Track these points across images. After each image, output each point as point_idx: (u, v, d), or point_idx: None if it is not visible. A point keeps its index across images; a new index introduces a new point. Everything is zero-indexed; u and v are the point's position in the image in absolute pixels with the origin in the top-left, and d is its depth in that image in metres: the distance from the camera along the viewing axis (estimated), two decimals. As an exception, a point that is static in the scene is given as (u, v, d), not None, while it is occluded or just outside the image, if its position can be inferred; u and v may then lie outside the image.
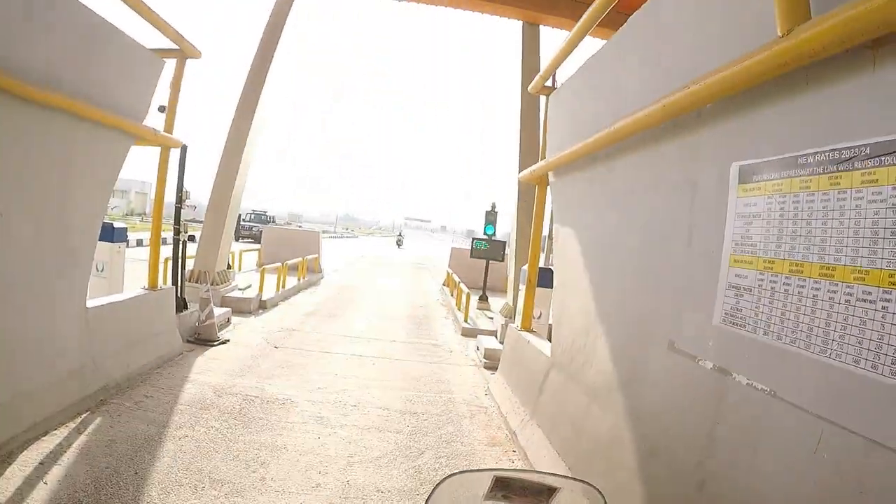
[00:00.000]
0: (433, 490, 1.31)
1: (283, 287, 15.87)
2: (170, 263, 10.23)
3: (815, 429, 2.61)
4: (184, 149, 9.58)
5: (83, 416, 5.89)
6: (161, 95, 8.16)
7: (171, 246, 10.07)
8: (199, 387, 7.43)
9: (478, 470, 1.39)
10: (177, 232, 9.98)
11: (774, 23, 2.80)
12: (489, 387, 8.91)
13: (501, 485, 1.38)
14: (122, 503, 4.42)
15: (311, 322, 12.99)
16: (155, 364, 7.98)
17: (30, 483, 4.48)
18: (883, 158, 2.36)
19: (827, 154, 2.66)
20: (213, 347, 9.54)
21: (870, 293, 2.39)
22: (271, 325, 12.10)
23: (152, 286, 8.62)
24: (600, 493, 1.35)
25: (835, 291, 2.57)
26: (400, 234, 69.35)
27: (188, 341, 9.49)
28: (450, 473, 1.34)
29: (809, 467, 2.63)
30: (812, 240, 2.74)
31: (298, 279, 18.30)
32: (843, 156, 2.57)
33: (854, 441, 2.40)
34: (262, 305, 13.72)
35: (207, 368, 8.33)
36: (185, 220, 10.08)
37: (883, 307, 2.32)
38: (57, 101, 5.36)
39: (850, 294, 2.49)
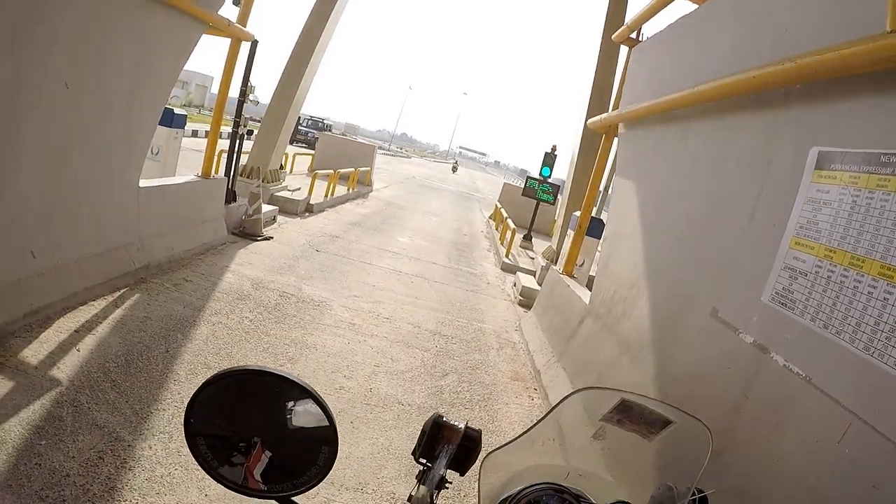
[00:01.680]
0: (564, 398, 1.33)
1: (332, 195, 15.96)
2: (224, 156, 10.24)
3: (842, 421, 2.59)
4: (254, 43, 9.46)
5: (122, 291, 6.02)
6: None
7: (229, 139, 10.11)
8: (238, 277, 7.57)
9: (609, 389, 1.40)
10: (236, 125, 9.96)
11: (884, 17, 2.64)
12: (520, 323, 8.90)
13: (623, 407, 1.37)
14: (149, 378, 4.55)
15: (355, 232, 13.10)
16: (199, 250, 8.12)
17: (63, 349, 4.61)
18: None
19: None
20: (257, 242, 9.67)
21: None
22: (315, 228, 12.23)
23: (205, 174, 8.70)
24: (710, 432, 1.37)
25: (891, 293, 2.50)
26: (455, 162, 70.79)
27: (233, 233, 9.62)
28: (582, 388, 1.36)
29: (830, 456, 2.62)
30: (878, 238, 2.66)
31: (348, 189, 18.38)
32: None
33: (879, 442, 2.38)
34: (309, 209, 13.83)
35: (248, 261, 8.47)
36: (246, 116, 10.06)
37: None
38: None
39: None
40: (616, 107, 8.05)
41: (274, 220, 11.50)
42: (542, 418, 1.29)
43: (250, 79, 9.87)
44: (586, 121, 10.37)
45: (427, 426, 1.31)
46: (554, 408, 1.29)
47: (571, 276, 8.71)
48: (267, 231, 10.46)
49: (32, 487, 3.10)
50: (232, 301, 6.65)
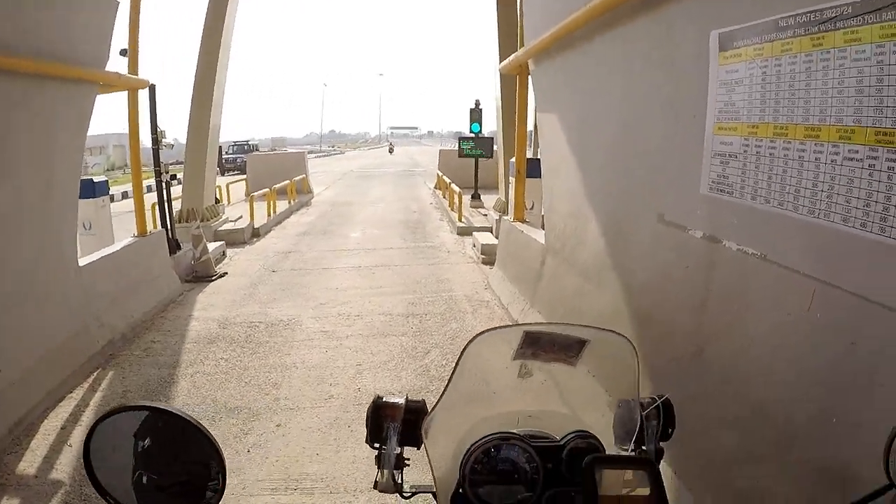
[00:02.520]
0: (464, 349, 1.29)
1: (275, 212, 15.78)
2: (157, 208, 10.04)
3: (806, 289, 2.63)
4: (152, 88, 9.23)
5: (95, 373, 5.91)
6: (121, 40, 7.90)
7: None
8: (204, 322, 7.49)
9: (507, 326, 1.40)
10: (157, 174, 9.77)
11: None
12: (488, 281, 8.98)
13: (531, 340, 1.35)
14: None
15: (307, 241, 13.01)
16: (157, 308, 7.97)
17: (55, 449, 4.53)
18: (866, 17, 2.27)
19: (807, 15, 2.57)
20: (212, 282, 9.55)
21: (856, 151, 2.35)
22: (266, 250, 12.11)
23: (141, 233, 8.53)
24: (629, 341, 1.36)
25: (821, 152, 2.54)
26: (390, 143, 71.51)
27: (187, 281, 9.46)
28: (479, 332, 1.32)
29: (802, 326, 2.67)
30: (796, 102, 2.68)
31: (289, 202, 18.17)
32: (824, 16, 2.47)
33: (847, 299, 2.41)
34: (256, 233, 13.67)
35: (209, 303, 8.37)
36: (164, 162, 9.87)
37: (870, 165, 2.29)
38: (15, 65, 5.10)
39: (836, 153, 2.45)
40: (521, 44, 8.04)
41: (224, 255, 11.36)
42: (453, 373, 1.29)
43: (158, 124, 9.65)
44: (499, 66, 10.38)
45: (369, 411, 1.32)
46: (459, 360, 1.29)
47: (524, 222, 8.78)
48: (219, 267, 10.33)
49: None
50: (203, 347, 6.59)
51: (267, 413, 5.01)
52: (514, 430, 1.34)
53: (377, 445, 1.33)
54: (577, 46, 5.53)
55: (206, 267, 9.84)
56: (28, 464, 4.34)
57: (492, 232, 12.01)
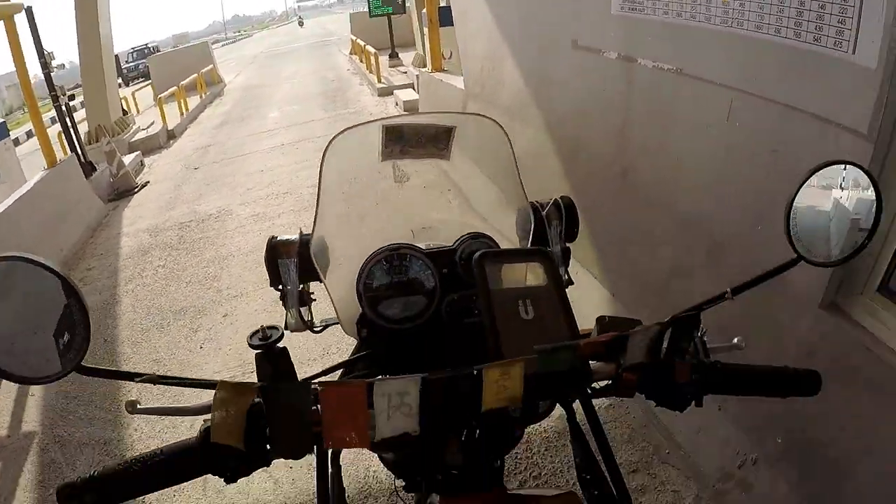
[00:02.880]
0: (322, 158, 1.23)
1: (187, 110, 15.10)
2: (63, 135, 9.50)
3: (724, 99, 2.63)
4: (28, 11, 8.44)
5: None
6: None
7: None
8: (135, 236, 7.25)
9: (362, 123, 1.28)
10: (55, 99, 9.06)
11: None
12: (445, 173, 8.84)
13: (393, 136, 1.28)
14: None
15: (225, 132, 12.56)
16: (86, 235, 7.63)
17: (20, 403, 4.35)
18: None
19: None
20: (136, 194, 9.18)
21: None
22: (185, 149, 11.65)
23: (51, 164, 8.09)
24: (497, 122, 1.30)
25: None
26: (299, 17, 69.39)
27: (110, 200, 9.06)
28: (336, 133, 1.24)
29: (724, 137, 2.68)
30: None
31: (200, 97, 17.34)
32: None
33: (765, 106, 2.41)
34: (171, 135, 13.07)
35: (137, 216, 8.09)
36: (61, 85, 9.14)
37: None
38: None
39: None
40: None
41: (142, 164, 10.84)
42: (319, 187, 1.24)
43: (43, 47, 8.92)
44: None
45: (266, 253, 1.29)
46: (321, 171, 1.24)
47: (443, 71, 8.54)
48: (140, 179, 9.88)
49: None
50: (139, 260, 6.42)
51: (212, 307, 5.00)
52: (408, 242, 1.29)
53: (279, 287, 1.29)
54: None
55: (127, 181, 9.40)
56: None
57: (413, 88, 11.68)
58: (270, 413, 0.84)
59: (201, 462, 0.86)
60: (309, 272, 1.27)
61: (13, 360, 0.86)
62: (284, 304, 1.29)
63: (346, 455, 2.99)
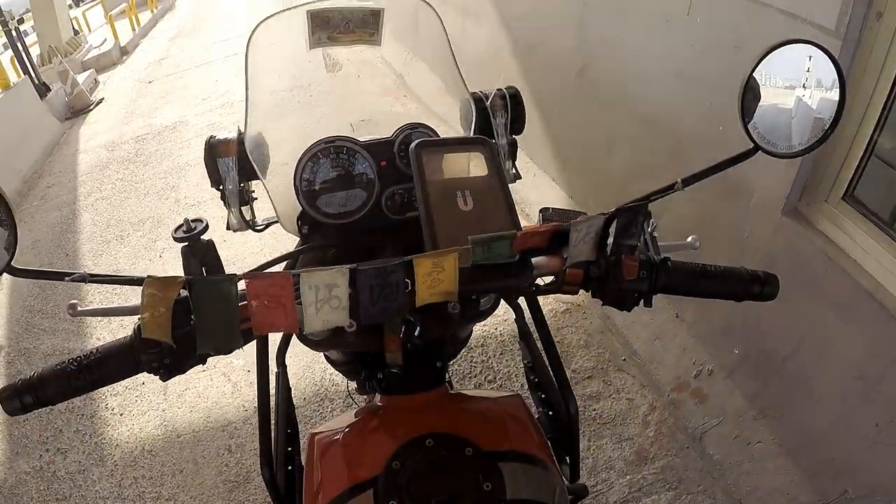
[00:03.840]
0: (246, 48, 1.19)
1: (139, 25, 14.53)
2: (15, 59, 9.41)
3: None
4: None
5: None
6: None
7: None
8: (92, 153, 7.17)
9: (287, 9, 1.23)
10: (3, 24, 9.02)
11: None
12: (379, 62, 8.61)
13: (320, 22, 1.21)
14: (64, 286, 4.42)
15: (178, 44, 12.15)
16: (44, 154, 7.58)
17: None
18: None
19: None
20: (91, 112, 9.01)
21: None
22: (138, 64, 11.31)
23: (4, 87, 8.12)
24: (432, 7, 1.27)
25: None
26: None
27: (67, 119, 8.92)
28: (260, 21, 1.21)
29: (683, 30, 2.54)
30: None
31: (151, 12, 16.63)
32: None
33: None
34: (124, 51, 12.61)
35: (93, 133, 7.97)
36: (9, 10, 9.10)
37: None
38: None
39: None
40: None
41: (96, 82, 10.55)
42: (246, 78, 1.20)
43: None
44: None
45: (204, 152, 1.26)
46: (246, 62, 1.21)
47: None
48: (95, 96, 9.64)
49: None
50: (97, 175, 6.39)
51: (171, 216, 5.02)
52: (345, 135, 1.26)
53: (220, 188, 1.28)
54: None
55: (81, 99, 9.22)
56: None
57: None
58: (197, 306, 0.82)
59: (135, 359, 0.85)
60: (248, 170, 1.25)
61: None
62: (225, 204, 1.28)
63: (300, 360, 3.11)
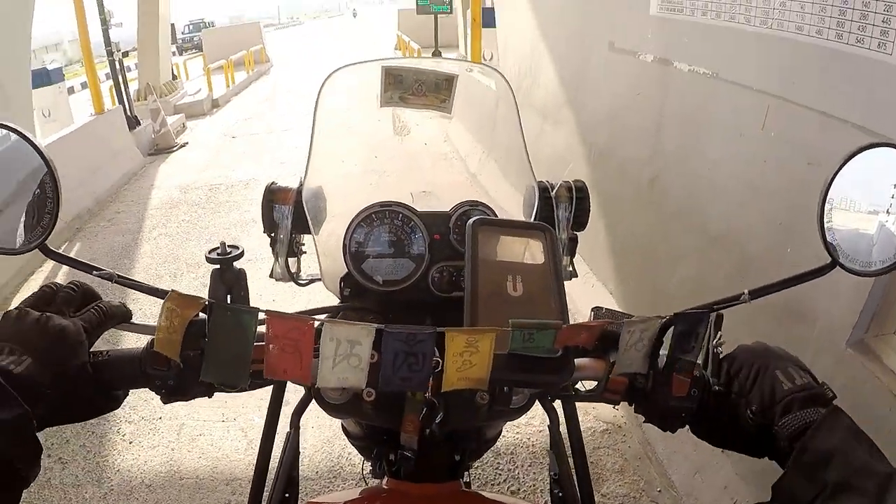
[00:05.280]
0: (318, 95, 1.22)
1: (233, 83, 15.41)
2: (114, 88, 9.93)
3: (760, 106, 2.49)
4: None
5: (63, 246, 5.94)
6: None
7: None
8: (166, 190, 7.52)
9: (363, 62, 1.27)
10: (109, 54, 9.58)
11: None
12: (447, 133, 8.95)
13: (394, 80, 1.22)
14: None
15: (266, 107, 12.83)
16: (121, 182, 7.98)
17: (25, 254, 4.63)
18: None
19: None
20: (174, 153, 9.49)
21: None
22: (226, 118, 11.95)
23: (98, 111, 8.46)
24: (502, 74, 1.29)
25: None
26: (353, 9, 73.29)
27: (149, 154, 9.41)
28: (336, 69, 1.25)
29: (757, 146, 2.54)
30: None
31: (247, 73, 17.67)
32: None
33: (802, 114, 2.27)
34: (215, 104, 13.39)
35: (171, 172, 8.38)
36: (116, 42, 9.64)
37: None
38: None
39: None
40: None
41: (184, 126, 11.19)
42: (312, 130, 1.21)
43: (104, 5, 9.38)
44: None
45: (263, 197, 1.23)
46: (315, 111, 1.21)
47: (482, 71, 8.64)
48: (180, 139, 10.21)
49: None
50: (166, 212, 6.67)
51: (226, 263, 5.13)
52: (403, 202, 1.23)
53: (272, 234, 1.23)
54: None
55: (167, 139, 9.74)
56: None
57: (453, 87, 11.83)
58: (212, 331, 0.79)
59: (141, 371, 0.84)
60: (303, 223, 1.21)
61: None
62: (273, 252, 1.24)
63: (322, 433, 3.13)
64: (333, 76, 1.23)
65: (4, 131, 0.90)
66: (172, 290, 0.79)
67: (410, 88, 1.23)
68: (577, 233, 1.24)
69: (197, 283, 4.91)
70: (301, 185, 1.22)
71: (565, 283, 0.97)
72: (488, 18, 8.95)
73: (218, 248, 0.99)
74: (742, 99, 2.62)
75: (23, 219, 0.90)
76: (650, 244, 3.49)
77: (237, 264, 1.02)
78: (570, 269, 1.26)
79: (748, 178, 2.61)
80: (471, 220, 0.95)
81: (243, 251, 0.99)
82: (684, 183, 3.17)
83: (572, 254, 1.25)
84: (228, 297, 0.99)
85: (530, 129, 5.67)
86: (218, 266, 0.97)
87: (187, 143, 10.01)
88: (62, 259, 0.91)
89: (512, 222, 1.15)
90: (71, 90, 14.37)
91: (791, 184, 2.32)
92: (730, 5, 2.64)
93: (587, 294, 3.86)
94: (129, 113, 9.43)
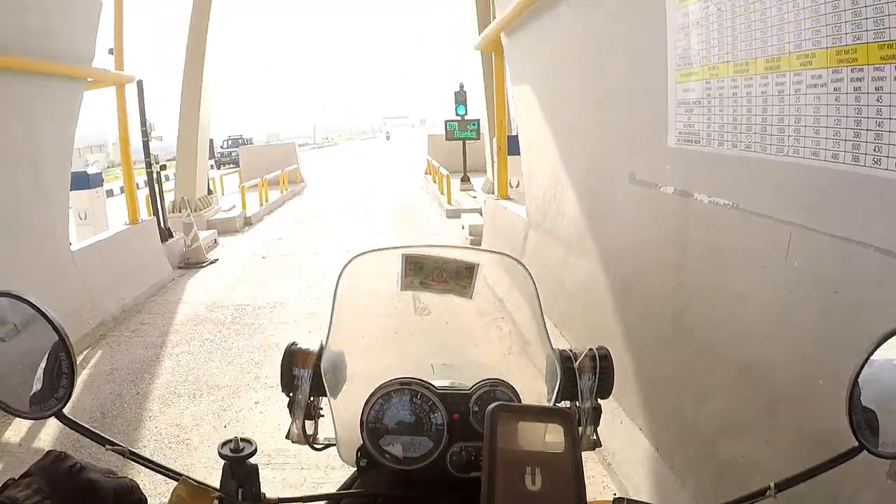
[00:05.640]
0: (339, 277, 1.27)
1: (267, 201, 15.87)
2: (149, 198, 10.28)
3: (782, 235, 2.46)
4: (139, 83, 9.44)
5: (84, 352, 6.01)
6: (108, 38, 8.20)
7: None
8: (192, 306, 7.59)
9: (382, 249, 1.34)
10: (148, 165, 10.00)
11: None
12: (467, 310, 8.99)
13: (414, 266, 1.27)
14: (125, 421, 4.65)
15: (298, 228, 13.08)
16: (149, 293, 8.11)
17: (40, 421, 4.57)
18: None
19: None
20: (203, 268, 9.66)
21: (819, 77, 2.16)
22: (258, 237, 12.20)
23: (133, 220, 8.76)
24: (523, 265, 1.30)
25: (783, 83, 2.36)
26: (387, 132, 78.49)
27: (179, 267, 9.60)
28: (353, 256, 1.30)
29: (781, 277, 2.50)
30: (753, 34, 2.52)
31: (281, 192, 18.23)
32: None
33: (825, 242, 2.23)
34: (248, 222, 13.76)
35: (199, 288, 8.49)
36: (155, 154, 10.08)
37: (835, 88, 2.10)
38: (7, 63, 5.47)
39: (800, 82, 2.27)
40: (493, 17, 8.12)
41: (215, 242, 11.46)
42: (333, 306, 1.25)
43: (146, 117, 9.84)
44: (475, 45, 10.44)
45: (283, 358, 1.27)
46: (336, 290, 1.26)
47: (508, 199, 8.84)
48: (211, 254, 10.44)
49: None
50: (190, 329, 6.69)
51: (247, 391, 5.09)
52: (423, 379, 1.24)
53: (290, 394, 1.27)
54: (544, 13, 5.55)
55: (198, 254, 9.95)
56: (13, 433, 4.48)
57: (480, 213, 12.05)
58: None
59: None
60: (321, 388, 1.24)
61: (6, 391, 0.91)
62: (291, 413, 1.25)
63: None
64: (354, 261, 1.29)
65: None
66: (184, 479, 0.80)
67: (431, 275, 1.28)
68: (602, 400, 1.24)
69: (215, 406, 4.84)
70: (322, 348, 1.26)
71: (590, 450, 1.02)
72: (514, 146, 9.23)
73: (230, 441, 0.99)
74: (764, 229, 2.59)
75: (38, 384, 0.92)
76: (677, 378, 3.40)
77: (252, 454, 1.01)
78: (594, 437, 1.23)
79: (773, 310, 2.55)
80: (490, 407, 0.95)
81: (256, 448, 0.99)
82: (709, 316, 3.11)
83: (596, 423, 1.23)
84: (240, 491, 0.98)
85: (554, 259, 5.73)
86: (229, 462, 0.96)
87: (217, 259, 10.20)
88: (78, 428, 0.92)
89: (532, 408, 1.16)
90: (110, 193, 14.92)
91: (817, 314, 2.28)
92: (745, 135, 2.65)
93: (617, 430, 3.76)
94: (162, 225, 9.73)
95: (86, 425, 0.90)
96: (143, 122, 9.79)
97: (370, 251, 1.31)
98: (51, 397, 0.90)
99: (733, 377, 2.85)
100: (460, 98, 17.15)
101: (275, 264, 9.70)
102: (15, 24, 5.63)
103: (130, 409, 4.83)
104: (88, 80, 7.23)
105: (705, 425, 3.04)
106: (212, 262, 10.00)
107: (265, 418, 4.61)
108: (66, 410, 0.92)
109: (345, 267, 1.28)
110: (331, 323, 1.26)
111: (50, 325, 0.93)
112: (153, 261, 8.81)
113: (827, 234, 2.23)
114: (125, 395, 5.06)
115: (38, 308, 0.94)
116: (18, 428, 4.51)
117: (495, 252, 1.36)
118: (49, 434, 4.40)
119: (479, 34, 13.37)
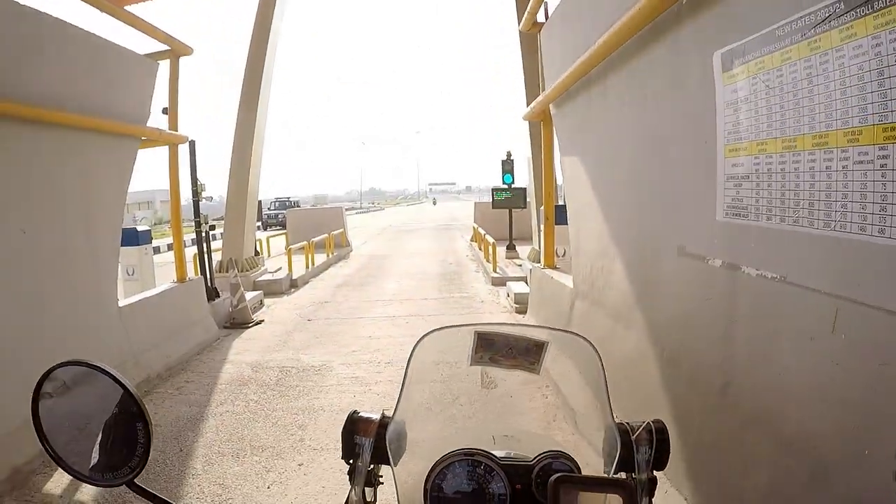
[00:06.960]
0: (412, 352, 1.28)
1: (313, 264, 16.06)
2: (197, 257, 10.49)
3: (829, 309, 2.50)
4: (192, 144, 9.78)
5: (127, 408, 6.03)
6: (162, 97, 8.50)
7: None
8: (237, 366, 7.63)
9: (455, 326, 1.33)
10: (197, 225, 10.29)
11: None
12: (531, 382, 8.92)
13: (485, 343, 1.31)
14: (168, 479, 4.62)
15: (343, 292, 13.15)
16: (194, 351, 8.22)
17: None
18: (857, 10, 2.21)
19: (802, 20, 2.52)
20: (249, 329, 9.73)
21: (866, 153, 2.24)
22: (303, 300, 12.29)
23: (181, 279, 8.97)
24: (590, 342, 1.31)
25: (830, 159, 2.43)
26: (433, 198, 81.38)
27: (225, 327, 9.73)
28: (430, 330, 1.31)
29: (828, 349, 2.52)
30: (801, 111, 2.60)
31: (327, 255, 18.48)
32: (818, 17, 2.42)
33: (872, 315, 2.28)
34: (294, 284, 13.90)
35: (244, 349, 8.53)
36: (204, 214, 10.36)
37: (881, 165, 2.17)
38: (64, 119, 5.70)
39: (847, 158, 2.34)
40: (542, 89, 8.24)
41: (261, 303, 11.58)
42: (404, 379, 1.26)
43: (198, 177, 10.13)
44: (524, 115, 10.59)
45: (345, 425, 1.28)
46: (408, 364, 1.28)
47: (554, 268, 8.79)
48: (256, 315, 10.53)
49: None
50: (234, 389, 6.70)
51: (290, 453, 5.05)
52: (486, 449, 1.27)
53: (350, 461, 1.27)
54: (593, 86, 5.66)
55: (243, 314, 10.05)
56: (54, 484, 4.52)
57: (525, 282, 11.98)
58: None
59: None
60: (382, 455, 1.25)
61: (78, 458, 0.95)
62: (351, 480, 1.25)
63: None
64: (429, 336, 1.31)
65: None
66: None
67: (501, 351, 1.32)
68: (657, 472, 1.25)
69: (258, 467, 4.79)
70: (384, 417, 1.28)
71: None
72: (560, 216, 9.24)
73: None
74: (811, 301, 2.64)
75: (108, 452, 0.96)
76: (724, 448, 3.39)
77: None
78: None
79: (820, 382, 2.60)
80: (552, 478, 1.01)
81: None
82: (756, 388, 3.13)
83: (651, 494, 1.24)
84: None
85: (602, 330, 5.66)
86: None
87: (263, 320, 10.28)
88: (151, 498, 0.94)
89: (593, 479, 1.20)
90: (157, 250, 15.28)
91: (864, 386, 2.33)
92: (793, 210, 2.71)
93: (662, 500, 3.66)
94: (209, 284, 9.93)
95: (160, 495, 0.92)
96: (195, 182, 10.09)
97: (443, 328, 1.33)
98: (123, 465, 0.92)
99: (778, 450, 2.88)
100: (507, 167, 17.36)
101: (320, 327, 9.73)
102: (75, 85, 5.91)
103: (174, 466, 4.82)
104: (142, 138, 7.51)
105: (751, 496, 3.04)
106: (257, 323, 10.08)
107: (308, 480, 4.57)
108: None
109: (419, 342, 1.29)
110: (401, 395, 1.27)
111: (127, 393, 0.98)
112: (199, 320, 8.94)
113: (874, 307, 2.28)
114: (168, 452, 5.06)
115: (115, 377, 1.00)
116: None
117: (564, 330, 1.36)
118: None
119: (528, 105, 13.68)
